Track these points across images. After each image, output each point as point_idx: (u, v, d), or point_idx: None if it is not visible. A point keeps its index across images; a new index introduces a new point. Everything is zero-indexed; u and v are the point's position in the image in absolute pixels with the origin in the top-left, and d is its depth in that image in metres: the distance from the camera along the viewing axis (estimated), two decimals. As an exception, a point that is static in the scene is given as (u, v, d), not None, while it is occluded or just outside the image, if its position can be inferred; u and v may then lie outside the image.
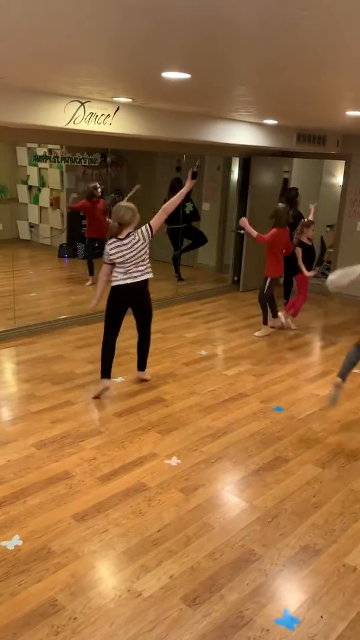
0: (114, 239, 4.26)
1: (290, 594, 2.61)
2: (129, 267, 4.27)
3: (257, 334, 6.26)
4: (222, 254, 9.25)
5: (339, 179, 8.86)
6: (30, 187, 9.61)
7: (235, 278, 8.39)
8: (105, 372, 4.49)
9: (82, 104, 4.77)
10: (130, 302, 4.44)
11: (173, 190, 7.69)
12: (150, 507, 3.17)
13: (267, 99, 4.40)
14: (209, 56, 2.72)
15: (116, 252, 4.24)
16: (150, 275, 4.38)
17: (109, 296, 4.39)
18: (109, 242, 4.28)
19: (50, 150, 8.54)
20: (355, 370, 5.38)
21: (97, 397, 4.49)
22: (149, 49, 2.63)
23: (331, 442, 4.02)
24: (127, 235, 4.25)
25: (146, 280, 4.37)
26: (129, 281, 4.29)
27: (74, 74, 3.51)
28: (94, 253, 7.82)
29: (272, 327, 6.36)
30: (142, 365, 4.84)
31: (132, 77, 3.61)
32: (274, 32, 2.17)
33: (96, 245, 7.71)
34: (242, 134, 6.45)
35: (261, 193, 7.95)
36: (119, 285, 4.31)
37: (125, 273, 4.28)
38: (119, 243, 4.24)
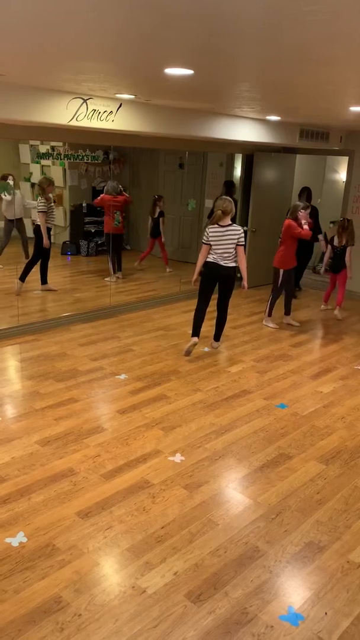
0: (216, 225, 5.14)
1: (295, 591, 2.61)
2: (221, 251, 5.16)
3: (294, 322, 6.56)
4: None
5: (342, 175, 8.84)
6: (33, 185, 9.60)
7: (238, 275, 8.37)
8: (195, 332, 5.39)
9: (85, 100, 4.76)
10: (219, 279, 5.31)
11: (229, 192, 7.80)
12: (154, 504, 3.17)
13: (271, 95, 4.38)
14: (212, 52, 2.71)
15: (214, 236, 5.12)
16: (235, 264, 5.26)
17: (203, 271, 5.31)
18: (211, 226, 5.16)
19: (52, 148, 8.53)
20: (358, 367, 5.39)
21: (187, 354, 5.39)
22: (152, 45, 2.62)
23: (335, 438, 4.02)
24: (228, 225, 5.14)
25: (234, 267, 5.28)
26: (220, 262, 5.20)
27: (77, 70, 3.50)
28: (114, 248, 8.01)
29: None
30: (216, 336, 5.64)
31: (135, 74, 3.59)
32: (278, 27, 2.16)
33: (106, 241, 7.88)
34: (245, 131, 6.43)
35: (264, 189, 7.93)
36: (211, 262, 5.22)
37: (218, 255, 5.18)
38: (219, 229, 5.13)
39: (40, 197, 6.77)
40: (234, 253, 5.19)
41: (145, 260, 8.68)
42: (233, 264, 5.24)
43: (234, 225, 5.19)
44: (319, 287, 8.04)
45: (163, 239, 8.49)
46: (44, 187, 6.78)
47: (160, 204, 8.34)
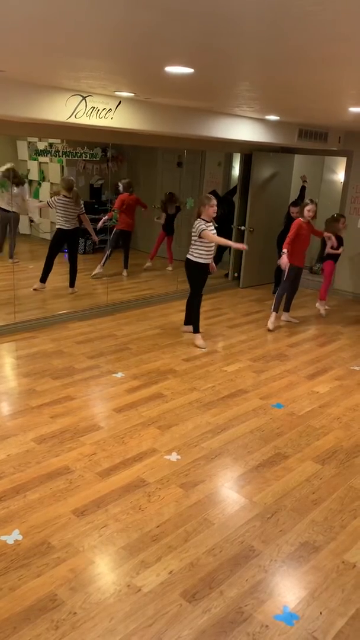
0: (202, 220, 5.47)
1: (290, 591, 2.62)
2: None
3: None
4: (223, 250, 9.23)
5: (340, 176, 8.84)
6: (30, 182, 9.57)
7: (236, 274, 8.38)
8: (187, 321, 5.99)
9: (84, 98, 4.75)
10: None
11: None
12: (150, 503, 3.17)
13: (271, 95, 4.38)
14: (213, 51, 2.70)
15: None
16: (191, 257, 5.57)
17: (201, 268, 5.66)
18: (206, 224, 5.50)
19: (50, 145, 8.51)
20: (354, 367, 5.40)
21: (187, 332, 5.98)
22: (151, 43, 2.61)
23: (331, 438, 4.03)
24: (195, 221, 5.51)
25: (189, 260, 5.61)
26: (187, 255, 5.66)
27: (76, 67, 3.49)
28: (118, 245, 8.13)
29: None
30: (194, 328, 5.84)
31: (135, 72, 3.58)
32: (280, 27, 2.16)
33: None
34: (243, 130, 6.43)
35: (262, 189, 7.93)
36: (206, 259, 5.61)
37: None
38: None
39: (56, 197, 6.90)
40: (194, 246, 5.53)
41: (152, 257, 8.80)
42: (188, 256, 5.61)
43: (197, 219, 5.50)
44: (318, 288, 8.03)
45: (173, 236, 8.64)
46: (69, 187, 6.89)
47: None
